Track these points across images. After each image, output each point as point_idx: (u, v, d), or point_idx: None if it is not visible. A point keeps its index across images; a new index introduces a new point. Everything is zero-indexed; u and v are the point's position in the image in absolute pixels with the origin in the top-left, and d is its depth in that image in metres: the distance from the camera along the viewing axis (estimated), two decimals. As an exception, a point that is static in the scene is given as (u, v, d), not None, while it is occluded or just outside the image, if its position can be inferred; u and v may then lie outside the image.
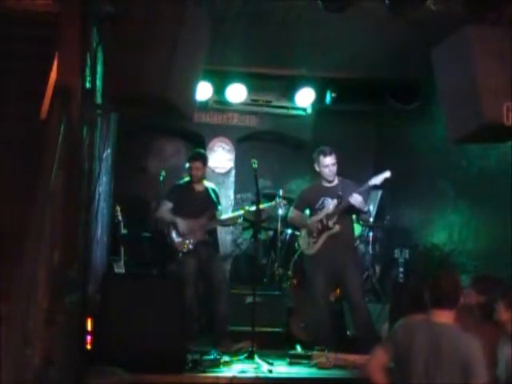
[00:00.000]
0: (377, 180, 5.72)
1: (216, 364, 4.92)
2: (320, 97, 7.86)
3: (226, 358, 5.06)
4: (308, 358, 5.28)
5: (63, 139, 3.88)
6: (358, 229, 6.96)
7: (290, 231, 7.21)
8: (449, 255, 6.92)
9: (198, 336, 5.77)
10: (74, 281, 4.19)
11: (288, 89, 8.01)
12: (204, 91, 7.40)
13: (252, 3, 5.33)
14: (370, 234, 7.48)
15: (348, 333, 6.34)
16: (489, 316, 3.87)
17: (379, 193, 7.61)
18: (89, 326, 4.48)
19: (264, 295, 6.37)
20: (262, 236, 7.67)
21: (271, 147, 8.75)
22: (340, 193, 5.76)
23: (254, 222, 6.51)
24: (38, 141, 3.94)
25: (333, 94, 7.76)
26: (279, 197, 6.73)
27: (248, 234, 8.08)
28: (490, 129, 4.46)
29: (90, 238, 4.65)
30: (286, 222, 6.78)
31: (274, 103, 8.29)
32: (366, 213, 6.30)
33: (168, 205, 6.11)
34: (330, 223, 5.76)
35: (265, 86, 8.07)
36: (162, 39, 4.13)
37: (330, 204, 5.81)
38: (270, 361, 5.12)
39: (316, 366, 5.15)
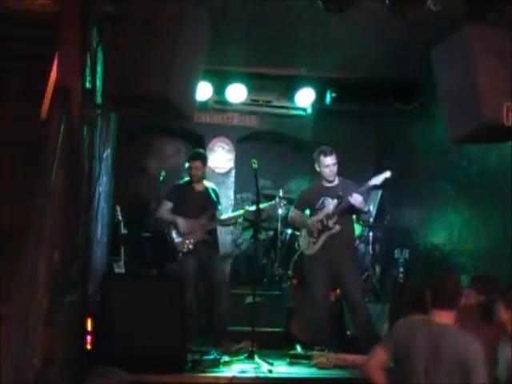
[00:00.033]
0: (377, 180, 5.72)
1: (216, 364, 4.92)
2: (320, 97, 7.87)
3: (225, 358, 5.06)
4: (308, 358, 5.28)
5: (63, 139, 3.88)
6: (358, 229, 6.96)
7: (289, 231, 7.21)
8: (449, 255, 6.93)
9: (198, 336, 5.76)
10: (74, 281, 4.19)
11: (288, 89, 8.02)
12: (204, 91, 7.40)
13: (252, 3, 5.34)
14: (370, 233, 7.47)
15: (348, 333, 6.34)
16: (489, 316, 3.87)
17: (379, 193, 7.62)
18: (89, 326, 4.48)
19: (264, 295, 6.37)
20: (262, 236, 7.67)
21: (271, 147, 8.75)
22: (340, 193, 5.76)
23: (254, 222, 6.51)
24: (38, 141, 3.93)
25: (333, 94, 7.77)
26: (279, 197, 6.73)
27: (248, 234, 8.09)
28: (490, 129, 4.46)
29: (90, 238, 4.64)
30: (286, 221, 6.78)
31: (274, 103, 8.30)
32: (366, 213, 6.30)
33: (168, 205, 6.11)
34: (330, 223, 5.76)
35: (265, 86, 8.07)
36: (162, 39, 4.13)
37: (331, 204, 5.81)
38: (270, 361, 5.12)
39: (316, 366, 5.15)
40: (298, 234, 6.34)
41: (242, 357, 5.26)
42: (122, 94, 4.28)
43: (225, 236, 7.99)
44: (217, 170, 8.41)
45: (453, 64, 4.60)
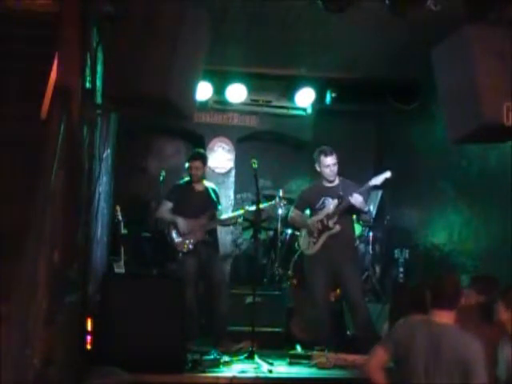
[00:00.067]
0: (377, 180, 5.72)
1: (216, 364, 4.92)
2: (320, 97, 7.87)
3: (225, 358, 5.06)
4: (308, 358, 5.28)
5: (63, 139, 3.87)
6: (358, 229, 6.96)
7: (289, 231, 7.21)
8: (449, 255, 6.93)
9: (198, 336, 5.76)
10: (74, 281, 4.19)
11: (288, 89, 8.02)
12: (204, 91, 7.40)
13: (252, 3, 5.34)
14: (370, 233, 7.47)
15: (348, 333, 6.34)
16: (489, 316, 3.87)
17: (379, 193, 7.61)
18: (89, 326, 4.48)
19: (264, 295, 6.38)
20: (262, 236, 7.67)
21: (271, 147, 8.76)
22: (341, 193, 5.76)
23: (254, 222, 6.51)
24: (38, 141, 3.93)
25: (333, 94, 7.77)
26: (279, 197, 6.73)
27: (248, 234, 8.08)
28: (490, 129, 4.46)
29: (90, 238, 4.64)
30: (286, 221, 6.78)
31: (274, 103, 8.30)
32: (366, 213, 6.30)
33: (168, 205, 6.11)
34: (331, 223, 5.76)
35: (265, 86, 8.07)
36: (162, 39, 4.13)
37: (331, 204, 5.81)
38: (270, 361, 5.12)
39: (316, 366, 5.15)
40: (298, 234, 6.34)
41: (242, 357, 5.26)
42: (122, 94, 4.28)
43: (225, 236, 7.99)
44: (217, 170, 8.41)
45: (453, 64, 4.60)
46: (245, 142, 8.58)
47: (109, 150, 5.71)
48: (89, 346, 4.47)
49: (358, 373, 4.73)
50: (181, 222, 5.98)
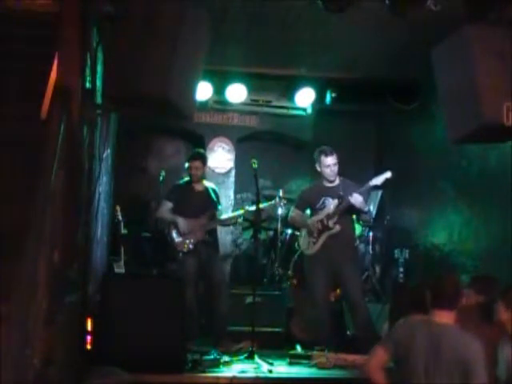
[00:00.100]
0: (377, 180, 5.72)
1: (216, 364, 4.92)
2: (320, 97, 7.87)
3: (225, 358, 5.07)
4: (308, 358, 5.28)
5: (63, 139, 3.88)
6: (358, 229, 6.96)
7: (289, 231, 7.21)
8: (449, 255, 6.93)
9: (198, 336, 5.76)
10: (74, 281, 4.19)
11: (288, 89, 8.02)
12: (204, 91, 7.40)
13: (252, 3, 5.34)
14: (370, 233, 7.47)
15: (348, 333, 6.34)
16: (489, 316, 3.87)
17: (379, 193, 7.61)
18: (89, 326, 4.48)
19: (264, 295, 6.37)
20: (262, 236, 7.67)
21: (271, 147, 8.75)
22: (341, 193, 5.76)
23: (254, 222, 6.50)
24: (38, 141, 3.93)
25: (333, 94, 7.77)
26: (279, 197, 6.72)
27: (248, 234, 8.08)
28: (490, 129, 4.46)
29: (90, 238, 4.64)
30: (286, 221, 6.78)
31: (274, 103, 8.30)
32: (366, 213, 6.30)
33: (168, 205, 6.11)
34: (331, 223, 5.76)
35: (265, 86, 8.07)
36: (162, 39, 4.13)
37: (331, 204, 5.81)
38: (270, 361, 5.12)
39: (316, 366, 5.15)
40: (298, 234, 6.34)
41: (242, 357, 5.26)
42: (122, 94, 4.28)
43: (225, 236, 7.98)
44: (217, 170, 8.41)
45: (453, 64, 4.60)
46: (245, 142, 8.58)
47: (109, 150, 5.71)
48: (89, 346, 4.47)
49: (357, 373, 4.73)
50: (181, 221, 5.98)
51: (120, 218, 6.69)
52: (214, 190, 6.28)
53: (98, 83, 4.68)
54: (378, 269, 7.46)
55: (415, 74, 6.87)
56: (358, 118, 8.61)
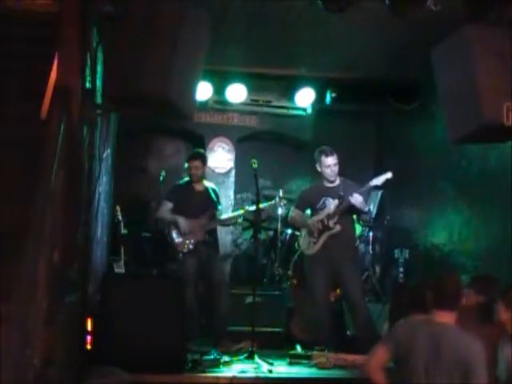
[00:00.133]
0: (378, 181, 5.72)
1: (216, 364, 4.92)
2: (320, 97, 7.87)
3: (225, 358, 5.07)
4: (308, 358, 5.28)
5: (63, 139, 3.88)
6: (358, 229, 6.96)
7: (289, 231, 7.20)
8: (449, 255, 6.93)
9: (198, 336, 5.76)
10: (74, 281, 4.19)
11: (288, 89, 8.02)
12: (204, 91, 7.40)
13: (252, 3, 5.34)
14: (370, 233, 7.47)
15: (348, 333, 6.34)
16: (489, 316, 3.87)
17: (379, 193, 7.61)
18: (89, 326, 4.48)
19: (264, 295, 6.37)
20: (262, 236, 7.67)
21: (271, 147, 8.75)
22: (341, 193, 5.76)
23: (254, 222, 6.51)
24: (38, 141, 3.93)
25: (333, 94, 7.77)
26: (279, 197, 6.72)
27: (248, 234, 8.08)
28: (490, 129, 4.46)
29: (90, 238, 4.65)
30: (286, 221, 6.78)
31: (274, 103, 8.30)
32: (366, 213, 6.31)
33: (168, 205, 6.11)
34: (331, 223, 5.76)
35: (265, 86, 8.07)
36: (162, 39, 4.13)
37: (332, 204, 5.81)
38: (270, 361, 5.12)
39: (316, 366, 5.15)
40: (298, 234, 6.34)
41: (242, 357, 5.26)
42: (122, 94, 4.28)
43: (225, 236, 7.98)
44: (217, 170, 8.40)
45: (453, 64, 4.60)
46: (245, 142, 8.57)
47: (109, 150, 5.71)
48: (89, 346, 4.47)
49: (357, 373, 4.73)
50: (181, 221, 5.98)
51: (120, 217, 6.69)
52: (214, 190, 6.28)
53: (98, 83, 4.68)
54: (378, 269, 7.46)
55: (415, 74, 6.87)
56: (358, 118, 8.61)
